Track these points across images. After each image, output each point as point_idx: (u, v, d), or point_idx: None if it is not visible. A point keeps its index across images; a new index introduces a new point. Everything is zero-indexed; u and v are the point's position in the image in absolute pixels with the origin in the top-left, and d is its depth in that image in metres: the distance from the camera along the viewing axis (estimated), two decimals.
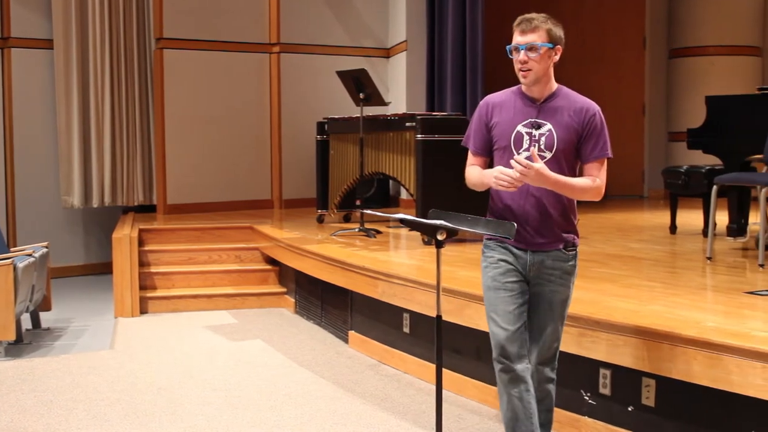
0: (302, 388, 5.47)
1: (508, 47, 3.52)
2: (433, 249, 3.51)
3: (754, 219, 7.03)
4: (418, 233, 7.16)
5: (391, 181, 10.49)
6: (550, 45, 3.47)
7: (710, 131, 7.50)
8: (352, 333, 6.56)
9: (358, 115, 8.02)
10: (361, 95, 7.98)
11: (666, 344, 3.90)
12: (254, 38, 10.71)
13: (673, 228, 8.09)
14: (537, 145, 3.48)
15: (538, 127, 3.50)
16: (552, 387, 3.69)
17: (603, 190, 3.52)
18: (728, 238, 7.23)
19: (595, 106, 3.53)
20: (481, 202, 6.92)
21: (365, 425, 4.75)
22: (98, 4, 10.02)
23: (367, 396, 5.30)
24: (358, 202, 8.29)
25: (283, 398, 5.24)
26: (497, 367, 3.56)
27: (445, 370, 5.01)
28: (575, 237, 3.59)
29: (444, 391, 4.32)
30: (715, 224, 6.58)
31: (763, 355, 3.55)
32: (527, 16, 3.51)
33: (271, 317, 7.66)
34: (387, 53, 11.34)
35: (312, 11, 10.91)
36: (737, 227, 7.26)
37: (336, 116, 8.95)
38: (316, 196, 9.33)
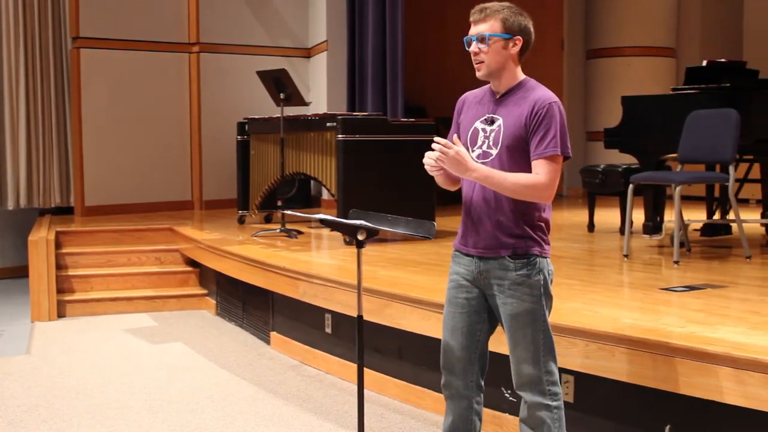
0: (223, 390, 5.43)
1: (465, 39, 3.26)
2: (354, 249, 3.50)
3: (669, 217, 7.17)
4: (340, 233, 7.16)
5: (312, 182, 10.47)
6: (506, 35, 3.18)
7: (626, 131, 7.63)
8: (273, 334, 6.53)
9: (279, 116, 7.99)
10: (282, 95, 7.95)
11: (584, 341, 3.97)
12: (173, 38, 10.59)
13: (591, 226, 8.21)
14: (487, 142, 3.23)
15: (492, 122, 3.24)
16: (546, 414, 3.25)
17: (548, 192, 3.16)
18: (644, 235, 7.37)
19: (549, 99, 3.16)
20: (402, 202, 7.01)
21: (287, 426, 4.74)
22: (11, 2, 9.81)
23: (289, 397, 5.29)
24: (279, 203, 8.26)
25: (204, 400, 5.20)
26: (441, 381, 3.41)
27: (367, 370, 5.02)
28: (530, 245, 3.24)
29: (366, 391, 4.33)
30: (631, 222, 6.70)
31: (678, 350, 3.63)
32: (481, 5, 3.25)
33: (192, 319, 7.60)
34: (308, 53, 11.31)
35: (232, 11, 10.83)
36: (653, 225, 7.41)
37: (256, 116, 8.91)
38: (237, 197, 9.27)
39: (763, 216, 7.65)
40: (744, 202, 9.83)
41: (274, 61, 10.33)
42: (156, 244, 8.68)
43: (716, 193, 7.76)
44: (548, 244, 3.32)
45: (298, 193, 10.67)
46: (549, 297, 3.31)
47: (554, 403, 3.26)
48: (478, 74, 3.25)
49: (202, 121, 10.66)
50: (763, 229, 7.74)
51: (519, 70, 3.28)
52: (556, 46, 12.74)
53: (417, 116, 9.86)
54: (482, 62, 3.21)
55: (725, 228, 7.62)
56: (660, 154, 7.23)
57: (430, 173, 3.25)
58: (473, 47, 3.23)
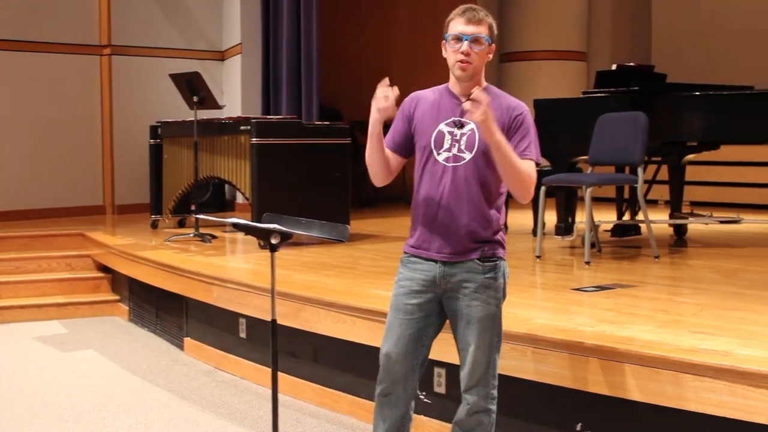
0: (137, 397, 5.36)
1: (447, 35, 3.23)
2: (269, 253, 3.48)
3: (581, 218, 7.28)
4: (255, 237, 7.12)
5: (227, 185, 10.40)
6: (491, 42, 3.23)
7: (538, 134, 7.70)
8: (187, 340, 6.46)
9: (192, 119, 7.92)
10: (195, 98, 7.88)
11: None
12: (83, 40, 10.41)
13: (504, 228, 8.28)
14: (457, 145, 3.21)
15: (461, 126, 3.22)
16: (485, 418, 3.29)
17: (533, 191, 3.25)
18: (557, 236, 7.48)
19: (524, 107, 3.28)
20: (316, 205, 7.01)
21: None
22: None
23: (204, 403, 5.23)
24: (192, 207, 8.18)
25: (116, 408, 5.11)
26: (376, 389, 3.35)
27: (281, 374, 4.98)
28: (496, 248, 3.26)
29: (281, 395, 4.30)
30: (544, 224, 6.79)
31: (589, 349, 3.69)
32: (473, 5, 3.24)
33: (104, 326, 7.47)
34: (221, 56, 11.23)
35: (144, 13, 10.69)
36: (565, 226, 7.52)
37: (170, 120, 8.81)
38: (150, 202, 9.14)
39: (671, 216, 7.81)
40: (653, 203, 10.04)
41: (188, 63, 10.24)
42: (67, 249, 8.51)
43: (626, 195, 7.90)
44: (505, 249, 3.35)
45: (212, 197, 10.58)
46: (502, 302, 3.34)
47: (493, 407, 3.32)
48: (461, 74, 3.21)
49: (114, 125, 10.50)
50: (671, 230, 7.91)
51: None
52: None
53: (332, 119, 9.84)
54: (470, 63, 3.20)
55: (635, 228, 7.77)
56: (571, 157, 7.35)
57: (377, 115, 3.17)
58: (465, 47, 3.18)
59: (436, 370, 4.33)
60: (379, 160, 3.31)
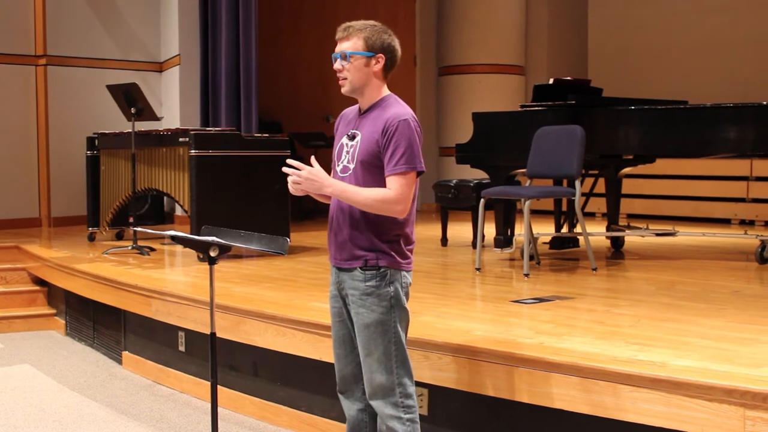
0: (74, 412, 5.28)
1: (333, 56, 3.34)
2: (208, 266, 3.47)
3: (520, 230, 7.35)
4: (194, 250, 7.07)
5: (166, 198, 10.31)
6: (368, 53, 3.27)
7: (477, 146, 7.77)
8: (125, 354, 6.39)
9: (130, 131, 7.84)
10: (133, 110, 7.81)
11: (436, 354, 4.02)
12: (17, 50, 10.25)
13: (444, 240, 8.34)
14: (347, 157, 3.33)
15: (353, 138, 3.33)
16: (399, 426, 3.30)
17: (399, 206, 3.22)
18: (496, 249, 7.52)
19: (399, 116, 3.24)
20: (256, 218, 6.99)
21: None
22: None
23: (143, 417, 5.18)
24: (130, 219, 8.09)
25: (52, 424, 5.04)
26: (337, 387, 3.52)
27: (221, 388, 4.96)
28: (383, 257, 3.29)
29: (221, 409, 4.28)
30: (483, 236, 6.83)
31: (528, 360, 3.72)
32: (346, 23, 3.34)
33: (40, 340, 7.36)
34: (160, 67, 11.15)
35: (81, 23, 10.56)
36: (504, 239, 7.57)
37: (107, 131, 8.72)
38: (87, 214, 9.01)
39: (608, 229, 7.91)
40: (590, 215, 10.17)
41: (125, 74, 10.14)
42: (1, 263, 8.36)
43: (564, 207, 7.99)
44: (406, 258, 3.37)
45: (150, 209, 10.48)
46: (402, 309, 3.36)
47: (407, 416, 3.32)
48: (342, 90, 3.34)
49: (49, 136, 10.35)
50: (608, 242, 8.01)
51: (384, 87, 3.38)
52: (408, 63, 12.91)
53: (272, 132, 9.81)
54: (345, 79, 3.31)
55: (573, 241, 7.86)
56: (510, 170, 7.41)
57: (296, 194, 3.34)
58: (337, 64, 3.31)
59: (417, 389, 4.32)
60: (320, 197, 3.43)
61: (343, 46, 3.30)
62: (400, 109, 3.29)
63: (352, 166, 3.30)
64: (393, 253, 3.32)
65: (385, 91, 3.38)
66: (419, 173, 3.27)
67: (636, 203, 10.77)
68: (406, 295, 3.38)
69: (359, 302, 3.31)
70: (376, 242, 3.29)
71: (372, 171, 3.27)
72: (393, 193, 3.21)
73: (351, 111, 3.47)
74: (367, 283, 3.29)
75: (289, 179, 3.25)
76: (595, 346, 3.92)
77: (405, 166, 3.21)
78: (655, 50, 13.04)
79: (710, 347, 3.93)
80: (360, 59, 3.28)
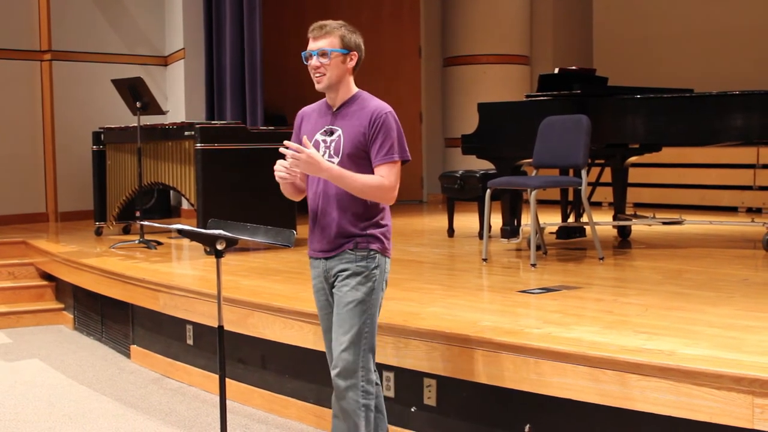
0: (83, 406, 5.30)
1: (303, 54, 3.50)
2: (215, 259, 3.47)
3: (526, 220, 7.33)
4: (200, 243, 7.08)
5: (172, 192, 10.32)
6: (344, 51, 3.44)
7: (483, 137, 7.75)
8: (134, 347, 6.40)
9: (136, 125, 7.85)
10: (138, 104, 7.81)
11: (445, 345, 4.02)
12: (22, 45, 10.27)
13: (450, 231, 8.34)
14: (328, 151, 3.45)
15: (331, 133, 3.48)
16: (348, 405, 3.42)
17: (393, 193, 3.43)
18: (502, 239, 7.52)
19: (385, 109, 3.46)
20: (262, 211, 6.98)
21: None
22: None
23: (152, 411, 5.19)
24: (137, 214, 8.10)
25: (62, 418, 5.05)
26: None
27: (230, 381, 4.97)
28: (371, 242, 3.45)
29: (230, 402, 4.29)
30: (489, 227, 6.82)
31: (536, 350, 3.72)
32: (320, 22, 3.48)
33: (49, 335, 7.38)
34: (165, 61, 11.15)
35: (85, 18, 10.57)
36: (510, 229, 7.56)
37: (112, 126, 8.73)
38: (94, 208, 9.04)
39: (615, 218, 7.90)
40: (597, 204, 10.15)
41: (131, 69, 10.13)
42: (9, 258, 8.39)
43: (570, 197, 7.97)
44: (389, 245, 3.54)
45: (157, 203, 10.50)
46: (380, 294, 3.52)
47: (363, 401, 3.46)
48: (318, 87, 3.50)
49: (56, 131, 10.37)
50: (615, 231, 8.00)
51: (353, 83, 3.54)
52: (413, 54, 12.88)
53: (277, 124, 9.81)
54: (324, 75, 3.46)
55: (579, 230, 7.85)
56: (516, 160, 7.39)
57: (281, 181, 3.48)
58: (314, 61, 3.46)
59: (385, 374, 4.34)
60: (294, 194, 3.66)
61: (320, 44, 3.44)
62: (380, 103, 3.49)
63: (336, 159, 3.43)
64: (381, 238, 3.50)
65: (355, 87, 3.55)
66: (405, 162, 3.49)
67: (643, 192, 10.74)
68: (386, 282, 3.55)
69: (345, 281, 3.45)
70: (365, 228, 3.46)
71: (358, 162, 3.43)
72: (387, 180, 3.41)
73: (312, 109, 3.64)
74: (358, 264, 3.44)
75: (282, 163, 3.39)
76: (603, 336, 3.91)
77: (396, 155, 3.43)
78: (660, 39, 12.98)
79: (718, 335, 3.92)
80: (338, 56, 3.44)
